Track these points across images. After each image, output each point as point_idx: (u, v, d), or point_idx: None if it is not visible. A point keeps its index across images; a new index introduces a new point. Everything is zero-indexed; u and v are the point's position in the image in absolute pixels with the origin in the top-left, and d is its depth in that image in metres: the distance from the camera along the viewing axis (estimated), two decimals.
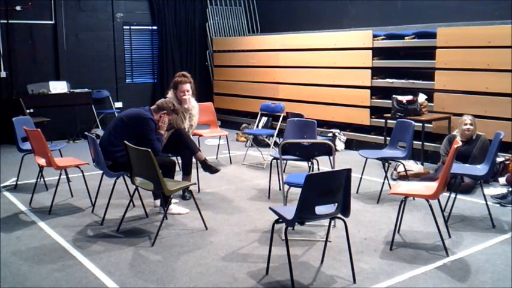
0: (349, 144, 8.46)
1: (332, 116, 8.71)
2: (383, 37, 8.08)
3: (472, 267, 3.84)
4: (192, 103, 5.85)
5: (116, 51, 10.48)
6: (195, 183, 5.64)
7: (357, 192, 5.81)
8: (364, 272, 3.74)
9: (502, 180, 6.06)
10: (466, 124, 5.92)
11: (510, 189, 5.52)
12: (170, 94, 5.84)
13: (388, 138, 6.77)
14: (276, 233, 4.00)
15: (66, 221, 4.94)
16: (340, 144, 8.37)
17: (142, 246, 4.30)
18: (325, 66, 8.82)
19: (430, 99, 7.36)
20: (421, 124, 6.91)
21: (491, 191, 5.72)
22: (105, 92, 10.31)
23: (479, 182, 5.10)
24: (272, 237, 3.66)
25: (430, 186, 4.23)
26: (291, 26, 10.30)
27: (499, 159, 6.12)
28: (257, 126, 8.76)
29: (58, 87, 9.48)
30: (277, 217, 3.58)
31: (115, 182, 4.91)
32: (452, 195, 4.96)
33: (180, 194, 5.57)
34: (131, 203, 4.95)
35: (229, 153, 7.63)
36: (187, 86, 5.72)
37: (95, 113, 10.04)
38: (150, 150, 4.21)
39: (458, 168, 5.01)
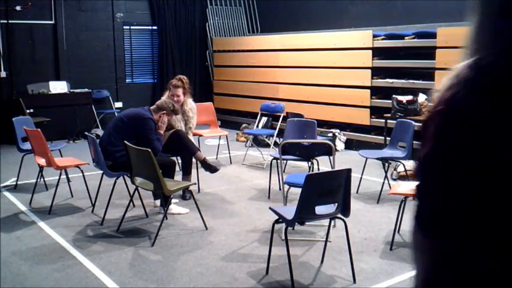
0: (349, 144, 8.46)
1: (332, 116, 8.71)
2: (383, 37, 8.08)
3: None
4: (189, 105, 5.90)
5: (116, 51, 10.47)
6: (195, 183, 5.64)
7: (357, 192, 5.81)
8: (364, 272, 3.74)
9: None
10: None
11: None
12: (166, 95, 5.92)
13: (388, 138, 6.77)
14: (276, 233, 4.00)
15: (66, 221, 4.94)
16: (340, 144, 8.37)
17: (142, 246, 4.30)
18: (325, 66, 8.82)
19: (430, 99, 7.36)
20: (421, 124, 6.90)
21: None
22: (105, 92, 10.30)
23: None
24: (272, 237, 3.66)
25: None
26: (291, 26, 10.30)
27: None
28: (257, 126, 8.76)
29: (58, 87, 9.47)
30: (277, 217, 3.58)
31: (115, 182, 4.91)
32: None
33: (180, 194, 5.57)
34: (131, 203, 4.95)
35: (229, 153, 7.63)
36: (179, 91, 5.81)
37: (95, 113, 10.04)
38: (150, 150, 4.22)
39: None
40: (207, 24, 11.34)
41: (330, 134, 8.40)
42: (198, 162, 5.52)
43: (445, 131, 0.87)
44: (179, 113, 5.58)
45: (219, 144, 7.85)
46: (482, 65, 0.85)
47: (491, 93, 0.83)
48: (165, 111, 5.17)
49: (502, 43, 0.86)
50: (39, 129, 5.38)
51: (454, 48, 7.10)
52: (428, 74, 7.48)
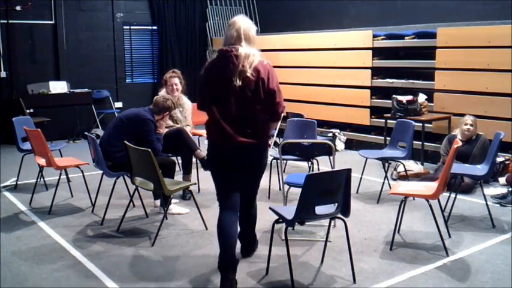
0: (349, 144, 8.46)
1: (332, 116, 8.71)
2: (383, 37, 8.08)
3: (472, 267, 3.84)
4: (183, 100, 6.02)
5: (116, 51, 10.47)
6: (195, 183, 5.64)
7: (357, 192, 5.81)
8: (364, 272, 3.74)
9: (502, 180, 6.06)
10: (466, 124, 5.92)
11: (510, 189, 5.52)
12: (163, 91, 5.95)
13: (388, 138, 6.77)
14: (276, 233, 4.00)
15: (66, 221, 4.94)
16: (340, 144, 8.37)
17: (142, 246, 4.30)
18: (325, 66, 8.82)
19: (430, 99, 7.36)
20: (421, 124, 6.91)
21: (491, 191, 5.72)
22: (105, 92, 10.30)
23: (479, 182, 5.10)
24: (272, 237, 3.66)
25: (430, 186, 4.23)
26: (291, 26, 10.30)
27: (499, 159, 6.12)
28: None
29: (58, 87, 9.47)
30: (277, 217, 3.58)
31: (115, 182, 4.91)
32: (452, 195, 4.96)
33: (180, 194, 5.57)
34: (131, 203, 4.95)
35: None
36: (175, 80, 5.96)
37: (95, 113, 10.04)
38: (150, 150, 4.22)
39: (458, 168, 5.01)
40: (207, 24, 11.34)
41: (330, 134, 8.40)
42: (198, 160, 5.54)
43: (205, 72, 3.56)
44: (178, 105, 5.67)
45: None
46: (215, 57, 3.56)
47: (214, 64, 3.55)
48: (167, 112, 5.17)
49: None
50: (39, 129, 5.38)
51: (454, 48, 7.11)
52: (428, 74, 7.48)
